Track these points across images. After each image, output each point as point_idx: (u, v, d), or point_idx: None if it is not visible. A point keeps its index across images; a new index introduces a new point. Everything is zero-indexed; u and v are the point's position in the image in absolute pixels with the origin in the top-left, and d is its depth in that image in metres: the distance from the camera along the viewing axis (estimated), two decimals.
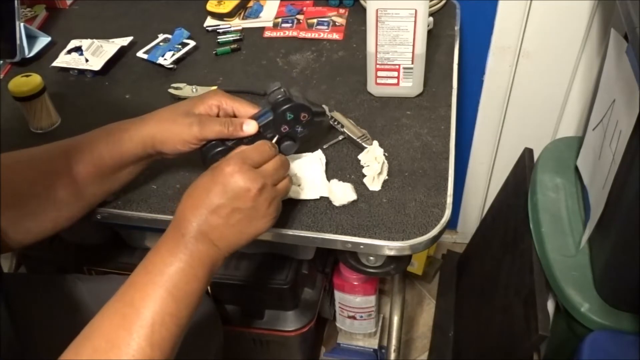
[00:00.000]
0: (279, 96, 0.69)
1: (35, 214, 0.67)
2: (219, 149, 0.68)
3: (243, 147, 0.66)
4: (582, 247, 0.92)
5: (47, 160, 0.68)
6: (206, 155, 0.69)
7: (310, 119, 0.71)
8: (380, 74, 0.86)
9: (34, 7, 1.11)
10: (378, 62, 0.85)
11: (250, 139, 0.70)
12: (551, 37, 1.15)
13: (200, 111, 0.69)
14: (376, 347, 1.33)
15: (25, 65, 1.00)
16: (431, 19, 0.99)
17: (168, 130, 0.68)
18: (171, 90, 0.92)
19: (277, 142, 0.71)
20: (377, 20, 0.80)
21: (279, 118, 0.69)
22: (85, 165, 0.68)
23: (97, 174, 0.69)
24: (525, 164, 1.11)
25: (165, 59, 0.97)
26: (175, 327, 0.55)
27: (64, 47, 1.00)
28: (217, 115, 0.70)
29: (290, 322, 1.13)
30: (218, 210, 0.58)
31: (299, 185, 0.75)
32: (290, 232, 0.72)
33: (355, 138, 0.81)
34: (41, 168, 0.67)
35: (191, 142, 0.67)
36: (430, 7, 0.98)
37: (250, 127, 0.69)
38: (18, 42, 0.98)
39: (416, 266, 1.47)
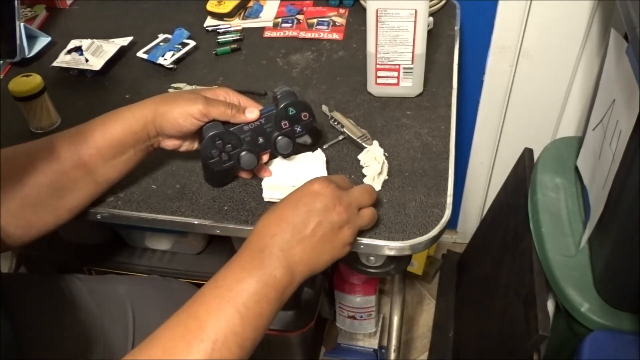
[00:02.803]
0: (285, 89, 0.72)
1: (36, 206, 0.66)
2: (218, 130, 0.69)
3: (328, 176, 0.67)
4: (582, 247, 0.92)
5: (46, 149, 0.68)
6: (204, 135, 0.69)
7: (310, 120, 0.73)
8: (380, 74, 0.86)
9: (34, 7, 1.11)
10: (378, 62, 0.85)
11: (251, 130, 0.71)
12: (551, 37, 1.15)
13: (207, 95, 0.71)
14: (376, 347, 1.33)
15: (25, 65, 1.00)
16: (431, 19, 0.99)
17: (172, 103, 0.69)
18: (171, 91, 0.92)
19: (275, 137, 0.72)
20: (377, 20, 0.80)
21: (281, 112, 0.71)
22: (84, 151, 0.68)
23: (96, 159, 0.68)
24: (525, 164, 1.11)
25: (165, 59, 0.97)
26: (237, 348, 0.52)
27: (64, 47, 1.00)
28: None
29: (290, 322, 1.13)
30: (306, 221, 0.59)
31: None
32: None
33: (355, 138, 0.81)
34: (40, 157, 0.68)
35: (194, 115, 0.67)
36: (430, 7, 0.98)
37: (253, 114, 0.70)
38: (18, 42, 0.98)
39: (416, 266, 1.47)
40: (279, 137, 0.72)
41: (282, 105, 0.71)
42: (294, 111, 0.71)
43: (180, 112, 0.68)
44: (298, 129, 0.73)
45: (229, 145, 0.71)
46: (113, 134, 0.68)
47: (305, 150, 0.78)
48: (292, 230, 0.58)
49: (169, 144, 0.73)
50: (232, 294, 0.53)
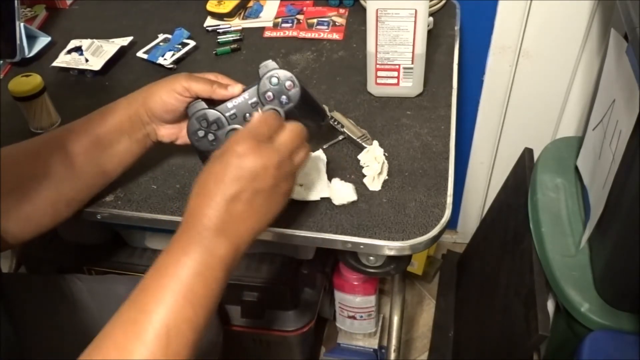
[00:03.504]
0: (267, 61, 0.69)
1: (33, 198, 0.66)
2: (203, 108, 0.68)
3: (249, 124, 0.61)
4: (582, 247, 0.92)
5: (43, 142, 0.69)
6: (189, 114, 0.69)
7: (297, 90, 0.68)
8: (380, 74, 0.86)
9: (34, 7, 1.11)
10: (378, 62, 0.85)
11: (236, 107, 0.69)
12: (551, 37, 1.15)
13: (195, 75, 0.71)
14: (376, 347, 1.33)
15: (25, 65, 1.00)
16: (431, 19, 0.99)
17: (158, 84, 0.70)
18: None
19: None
20: (377, 20, 0.80)
21: (264, 83, 0.68)
22: (80, 140, 0.68)
23: (92, 148, 0.69)
24: (525, 164, 1.11)
25: (165, 59, 0.97)
26: (192, 334, 0.51)
27: (64, 47, 1.00)
28: None
29: (290, 322, 1.13)
30: (239, 195, 0.55)
31: (301, 185, 0.75)
32: (290, 232, 0.72)
33: (355, 138, 0.81)
34: (38, 150, 0.68)
35: (176, 90, 0.68)
36: (430, 7, 0.98)
37: (235, 89, 0.69)
38: (18, 42, 0.97)
39: (416, 266, 1.47)
40: (267, 110, 0.68)
41: (263, 76, 0.68)
42: (277, 81, 0.68)
43: (164, 89, 0.69)
44: (284, 100, 0.68)
45: (214, 125, 0.69)
46: (108, 122, 0.69)
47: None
48: (225, 208, 0.55)
49: (165, 132, 0.72)
50: (176, 280, 0.52)
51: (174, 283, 0.52)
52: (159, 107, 0.69)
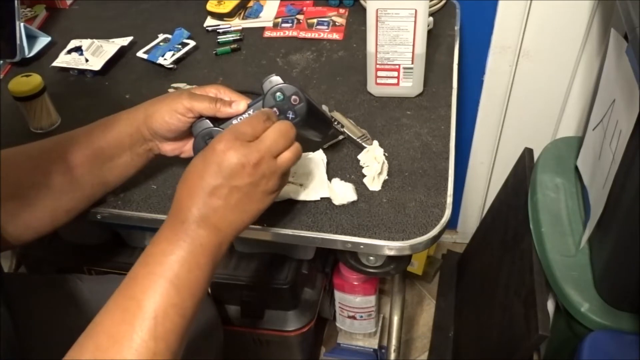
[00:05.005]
0: (271, 76, 0.67)
1: (33, 205, 0.66)
2: (208, 127, 0.67)
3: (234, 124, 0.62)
4: (582, 247, 0.92)
5: (45, 150, 0.68)
6: (194, 133, 0.68)
7: (302, 105, 0.67)
8: (380, 74, 0.86)
9: (34, 7, 1.11)
10: (378, 62, 0.85)
11: None
12: (551, 37, 1.15)
13: (196, 92, 0.69)
14: (376, 347, 1.33)
15: (25, 65, 1.00)
16: (431, 19, 0.99)
17: (159, 103, 0.68)
18: (171, 91, 0.92)
19: None
20: (377, 20, 0.80)
21: (269, 99, 0.67)
22: (81, 151, 0.68)
23: (93, 160, 0.68)
24: (525, 164, 1.11)
25: (165, 59, 0.97)
26: (179, 318, 0.53)
27: (64, 47, 1.00)
28: None
29: (290, 322, 1.13)
30: (216, 191, 0.57)
31: (301, 185, 0.75)
32: (290, 232, 0.72)
33: (355, 138, 0.81)
34: (38, 157, 0.68)
35: (179, 111, 0.66)
36: (430, 7, 0.98)
37: (239, 106, 0.67)
38: (18, 42, 0.98)
39: (416, 266, 1.47)
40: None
41: (268, 92, 0.67)
42: (282, 96, 0.66)
43: (166, 110, 0.67)
44: (291, 116, 0.67)
45: None
46: (109, 136, 0.68)
47: (306, 150, 0.78)
48: (204, 202, 0.57)
49: (168, 148, 0.72)
50: (163, 268, 0.53)
51: (160, 270, 0.53)
52: (161, 128, 0.68)
